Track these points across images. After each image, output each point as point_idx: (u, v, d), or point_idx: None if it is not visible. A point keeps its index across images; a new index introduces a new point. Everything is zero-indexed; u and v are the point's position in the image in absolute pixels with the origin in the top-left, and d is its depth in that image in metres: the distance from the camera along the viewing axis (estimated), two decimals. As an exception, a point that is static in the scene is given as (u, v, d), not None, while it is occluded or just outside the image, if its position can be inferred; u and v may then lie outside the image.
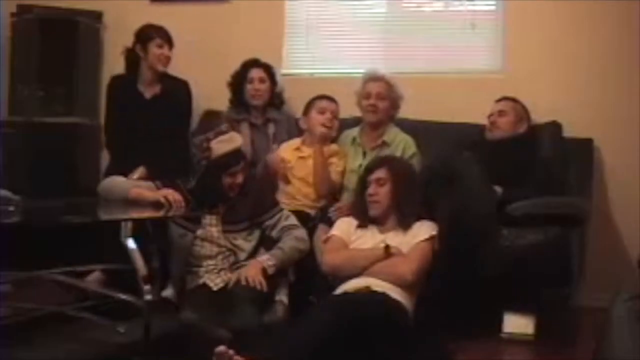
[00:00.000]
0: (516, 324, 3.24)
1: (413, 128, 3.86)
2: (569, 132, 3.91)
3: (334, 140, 3.84)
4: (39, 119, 4.46)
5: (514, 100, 3.86)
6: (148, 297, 2.73)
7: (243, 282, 3.04)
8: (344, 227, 3.24)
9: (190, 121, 4.18)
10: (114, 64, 4.34)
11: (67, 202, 3.49)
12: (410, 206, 3.15)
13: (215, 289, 3.14)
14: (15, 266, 3.13)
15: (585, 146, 3.95)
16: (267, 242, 3.30)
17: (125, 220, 2.82)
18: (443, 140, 3.79)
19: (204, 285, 3.16)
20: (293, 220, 3.31)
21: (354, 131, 3.85)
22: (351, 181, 3.65)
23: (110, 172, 3.72)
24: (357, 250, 3.13)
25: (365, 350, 2.59)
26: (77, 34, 4.58)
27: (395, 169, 3.22)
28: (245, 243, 3.26)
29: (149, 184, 3.30)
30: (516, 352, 3.20)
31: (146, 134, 3.97)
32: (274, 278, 3.13)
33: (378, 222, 3.20)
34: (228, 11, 4.65)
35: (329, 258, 3.14)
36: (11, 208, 2.84)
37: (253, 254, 3.25)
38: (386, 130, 3.78)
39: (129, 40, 4.08)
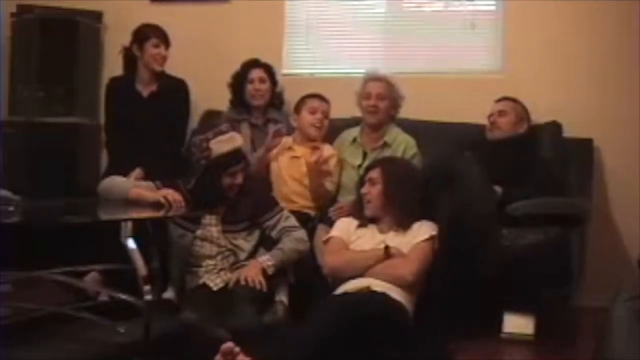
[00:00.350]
0: (516, 324, 3.24)
1: (413, 128, 3.85)
2: (569, 132, 3.90)
3: (328, 139, 3.82)
4: (39, 119, 4.46)
5: (514, 100, 3.86)
6: (148, 297, 2.73)
7: (243, 282, 3.04)
8: (343, 227, 3.24)
9: (189, 120, 4.19)
10: (114, 64, 4.35)
11: (67, 202, 3.50)
12: (405, 206, 3.14)
13: (215, 289, 3.14)
14: (15, 266, 3.13)
15: (585, 146, 3.95)
16: (266, 243, 3.30)
17: (125, 220, 2.82)
18: (443, 140, 3.79)
19: (204, 285, 3.16)
20: (293, 221, 3.31)
21: (355, 131, 3.84)
22: (351, 181, 3.65)
23: (109, 172, 3.72)
24: (357, 252, 3.13)
25: (365, 350, 2.59)
26: (77, 34, 4.58)
27: (389, 170, 3.22)
28: (245, 243, 3.26)
29: (149, 184, 3.30)
30: (516, 352, 3.20)
31: (144, 133, 3.97)
32: (273, 278, 3.13)
33: (376, 221, 3.21)
34: (228, 11, 4.65)
35: (329, 260, 3.14)
36: (11, 208, 2.84)
37: (253, 254, 3.25)
38: (387, 131, 3.77)
39: (129, 40, 4.09)
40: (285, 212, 3.34)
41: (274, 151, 3.82)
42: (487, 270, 3.15)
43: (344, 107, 3.89)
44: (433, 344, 2.82)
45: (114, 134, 4.16)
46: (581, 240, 3.46)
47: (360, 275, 3.01)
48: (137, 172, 3.79)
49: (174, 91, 4.14)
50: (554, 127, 3.90)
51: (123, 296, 2.93)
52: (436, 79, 4.36)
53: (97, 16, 4.70)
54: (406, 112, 3.92)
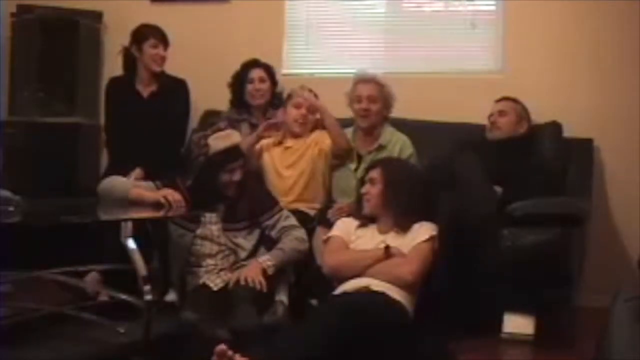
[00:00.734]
0: (516, 324, 3.24)
1: (413, 128, 3.85)
2: (569, 132, 3.90)
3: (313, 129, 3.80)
4: (39, 119, 4.46)
5: (514, 100, 3.87)
6: (148, 297, 2.72)
7: (243, 283, 3.04)
8: (344, 227, 3.24)
9: (189, 120, 4.19)
10: (114, 64, 4.34)
11: (67, 202, 3.50)
12: (405, 207, 3.14)
13: (215, 289, 3.14)
14: (15, 266, 3.13)
15: (585, 146, 3.95)
16: (266, 242, 3.30)
17: (125, 220, 2.82)
18: (443, 140, 3.78)
19: (204, 285, 3.16)
20: (292, 220, 3.31)
21: (348, 133, 3.78)
22: (347, 184, 3.64)
23: (109, 172, 3.72)
24: (358, 251, 3.13)
25: (365, 350, 2.59)
26: (77, 34, 4.58)
27: (389, 171, 3.22)
28: (245, 242, 3.26)
29: (149, 184, 3.31)
30: (516, 352, 3.19)
31: (144, 133, 3.97)
32: (273, 278, 3.14)
33: (376, 222, 3.21)
34: (228, 11, 4.65)
35: (329, 259, 3.14)
36: (11, 208, 2.84)
37: (253, 253, 3.26)
38: (381, 132, 3.72)
39: (129, 40, 4.09)
40: (285, 212, 3.34)
41: (263, 142, 3.80)
42: (487, 271, 3.15)
43: (344, 107, 3.88)
44: (433, 344, 2.81)
45: (114, 134, 4.15)
46: (581, 240, 3.46)
47: (360, 274, 3.01)
48: (137, 172, 3.79)
49: (174, 91, 4.14)
50: (554, 127, 3.90)
51: (123, 296, 2.93)
52: (436, 79, 4.36)
53: (97, 16, 4.70)
54: (406, 112, 3.91)
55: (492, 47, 4.34)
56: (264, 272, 3.09)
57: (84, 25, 4.62)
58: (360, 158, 3.71)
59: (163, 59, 4.08)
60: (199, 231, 3.24)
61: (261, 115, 4.09)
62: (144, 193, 3.21)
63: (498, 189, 3.41)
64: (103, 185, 3.31)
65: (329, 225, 3.35)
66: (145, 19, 4.18)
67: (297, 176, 3.70)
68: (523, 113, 3.85)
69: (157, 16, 4.33)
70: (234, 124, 3.85)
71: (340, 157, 3.72)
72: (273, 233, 3.28)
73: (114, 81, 4.20)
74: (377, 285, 2.93)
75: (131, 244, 2.78)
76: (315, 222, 3.52)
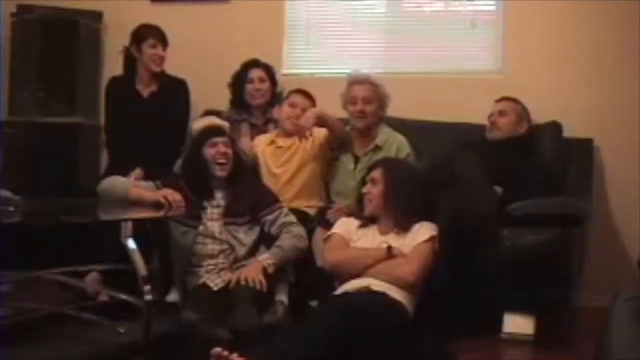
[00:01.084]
0: (516, 324, 3.24)
1: (413, 128, 3.85)
2: (569, 132, 3.90)
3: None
4: (39, 119, 4.46)
5: (514, 100, 3.86)
6: (148, 297, 2.73)
7: (243, 282, 3.04)
8: (345, 226, 3.24)
9: (189, 120, 4.18)
10: (114, 64, 4.34)
11: (67, 202, 3.50)
12: (406, 207, 3.14)
13: (215, 289, 3.14)
14: (15, 266, 3.13)
15: (585, 146, 3.95)
16: (266, 240, 3.30)
17: (125, 220, 2.82)
18: (443, 140, 3.78)
19: (204, 285, 3.16)
20: (292, 218, 3.32)
21: None
22: (345, 185, 3.64)
23: (109, 172, 3.72)
24: (360, 249, 3.13)
25: (365, 350, 2.59)
26: (77, 34, 4.58)
27: (390, 171, 3.22)
28: (245, 237, 3.27)
29: (149, 183, 3.31)
30: (516, 352, 3.19)
31: (144, 133, 3.97)
32: (273, 278, 3.14)
33: (377, 222, 3.21)
34: (228, 11, 4.65)
35: (330, 256, 3.14)
36: (11, 208, 2.85)
37: (252, 250, 3.26)
38: (378, 133, 3.69)
39: (129, 40, 4.09)
40: (285, 210, 3.35)
41: (255, 141, 3.83)
42: (487, 271, 3.15)
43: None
44: (433, 344, 2.81)
45: (114, 134, 4.15)
46: (581, 240, 3.46)
47: (360, 274, 3.01)
48: (137, 172, 3.79)
49: (174, 91, 4.14)
50: (554, 127, 3.90)
51: (123, 296, 2.94)
52: (436, 79, 4.36)
53: (97, 16, 4.70)
54: (406, 112, 3.92)
55: (492, 47, 4.34)
56: (264, 270, 3.10)
57: (84, 25, 4.62)
58: (357, 159, 3.70)
59: (162, 59, 4.07)
60: (200, 228, 3.24)
61: (261, 115, 4.10)
62: (144, 193, 3.21)
63: (498, 189, 3.41)
64: (103, 185, 3.31)
65: (329, 225, 3.34)
66: (145, 19, 4.18)
67: (289, 174, 3.70)
68: (523, 113, 3.85)
69: (157, 16, 4.33)
70: (234, 124, 3.85)
71: (339, 146, 3.70)
72: (273, 229, 3.28)
73: (114, 81, 4.20)
74: (377, 285, 2.93)
75: (131, 244, 2.78)
76: (315, 222, 3.52)
